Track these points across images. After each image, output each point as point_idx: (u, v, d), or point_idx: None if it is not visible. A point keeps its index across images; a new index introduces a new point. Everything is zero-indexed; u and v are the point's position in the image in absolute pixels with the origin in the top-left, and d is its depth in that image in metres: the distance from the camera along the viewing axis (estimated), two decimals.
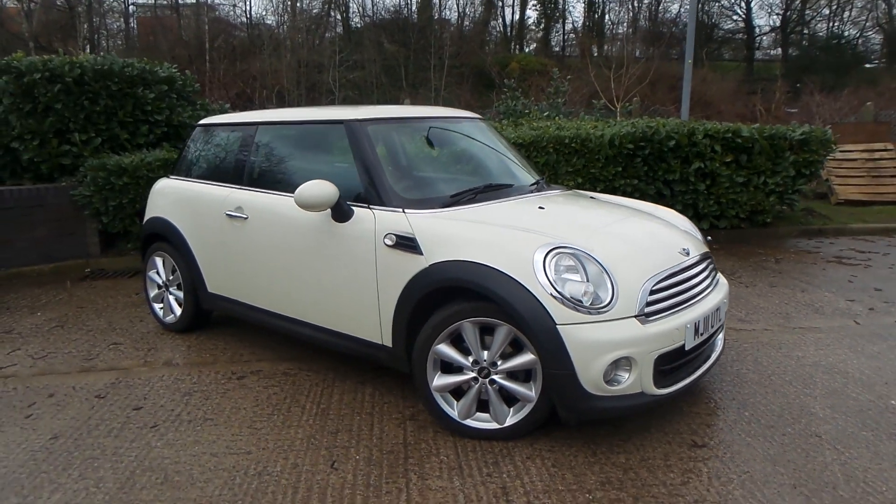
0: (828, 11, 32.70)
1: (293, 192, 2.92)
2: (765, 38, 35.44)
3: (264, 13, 48.26)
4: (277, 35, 28.32)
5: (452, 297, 2.62)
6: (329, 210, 2.90)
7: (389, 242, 2.76)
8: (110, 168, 5.67)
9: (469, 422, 2.65)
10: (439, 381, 2.67)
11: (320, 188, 2.80)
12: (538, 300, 2.37)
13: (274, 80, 23.87)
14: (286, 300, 3.28)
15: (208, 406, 3.02)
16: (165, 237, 3.95)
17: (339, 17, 32.19)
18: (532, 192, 3.30)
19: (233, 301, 3.62)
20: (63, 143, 5.98)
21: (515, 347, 2.53)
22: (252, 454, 2.57)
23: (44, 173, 6.04)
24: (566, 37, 36.01)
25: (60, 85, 5.83)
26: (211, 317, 4.15)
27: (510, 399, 2.60)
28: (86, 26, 26.39)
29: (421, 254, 2.66)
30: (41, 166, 5.99)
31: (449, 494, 2.28)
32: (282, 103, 22.35)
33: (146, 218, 4.18)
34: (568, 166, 6.50)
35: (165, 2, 31.37)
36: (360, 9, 33.09)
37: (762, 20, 47.50)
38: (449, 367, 2.67)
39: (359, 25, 31.80)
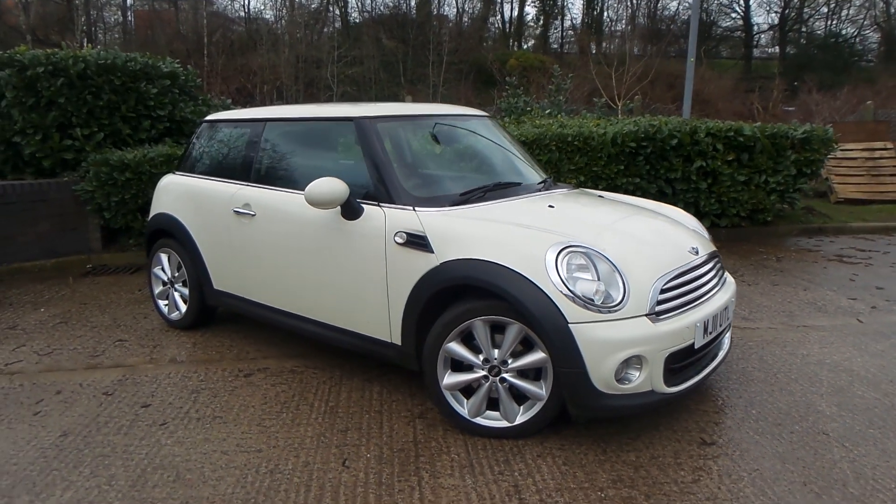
0: (826, 10, 32.82)
1: (302, 190, 2.92)
2: (763, 35, 35.57)
3: (262, 8, 48.16)
4: (275, 30, 28.21)
5: (463, 296, 2.63)
6: (339, 207, 2.90)
7: (400, 240, 2.76)
8: (113, 163, 5.65)
9: (479, 420, 2.66)
10: (449, 379, 2.68)
11: (331, 186, 2.79)
12: (550, 299, 2.38)
13: (272, 75, 23.78)
14: (294, 297, 3.28)
15: (217, 403, 3.02)
16: (171, 233, 3.94)
17: (337, 12, 32.16)
18: (540, 190, 3.30)
19: (239, 298, 3.62)
20: (65, 137, 5.95)
21: (526, 346, 2.54)
22: (263, 452, 2.58)
23: (46, 168, 6.01)
24: (565, 34, 36.07)
25: (64, 79, 5.80)
26: (215, 314, 4.15)
27: (520, 397, 2.61)
28: (83, 19, 26.24)
29: (432, 252, 2.66)
30: (43, 161, 5.95)
31: (461, 492, 2.29)
32: (280, 99, 22.28)
33: (151, 214, 4.17)
34: (570, 164, 6.51)
35: None
36: (359, 4, 33.08)
37: (760, 18, 47.53)
38: (459, 366, 2.68)
39: (357, 21, 31.75)
